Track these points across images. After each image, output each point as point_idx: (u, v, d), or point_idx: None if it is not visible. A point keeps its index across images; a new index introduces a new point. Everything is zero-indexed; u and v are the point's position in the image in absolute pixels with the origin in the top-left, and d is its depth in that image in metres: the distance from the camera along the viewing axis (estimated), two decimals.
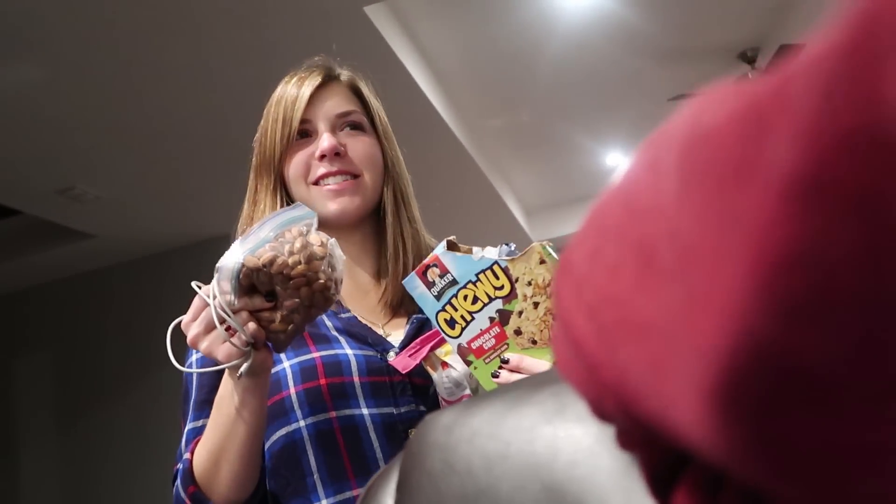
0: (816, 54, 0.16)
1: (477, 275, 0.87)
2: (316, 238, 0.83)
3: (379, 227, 1.13)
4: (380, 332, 1.06)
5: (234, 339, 0.83)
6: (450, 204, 5.69)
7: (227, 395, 0.90)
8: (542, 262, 0.85)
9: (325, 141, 1.05)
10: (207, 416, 0.97)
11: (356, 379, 0.99)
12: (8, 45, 3.02)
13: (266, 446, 1.00)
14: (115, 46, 3.09)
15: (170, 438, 2.24)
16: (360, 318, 1.07)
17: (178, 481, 0.96)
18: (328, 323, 1.05)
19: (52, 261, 5.06)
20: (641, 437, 0.24)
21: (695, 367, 0.18)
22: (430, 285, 0.89)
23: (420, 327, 1.07)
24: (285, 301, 0.83)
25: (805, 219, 0.15)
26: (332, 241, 0.85)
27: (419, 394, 1.01)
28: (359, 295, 1.11)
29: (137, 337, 4.83)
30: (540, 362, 0.83)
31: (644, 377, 0.20)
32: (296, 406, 0.97)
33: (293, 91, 1.07)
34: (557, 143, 5.70)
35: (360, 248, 1.11)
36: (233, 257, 0.81)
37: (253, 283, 0.82)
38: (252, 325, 0.83)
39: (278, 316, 0.83)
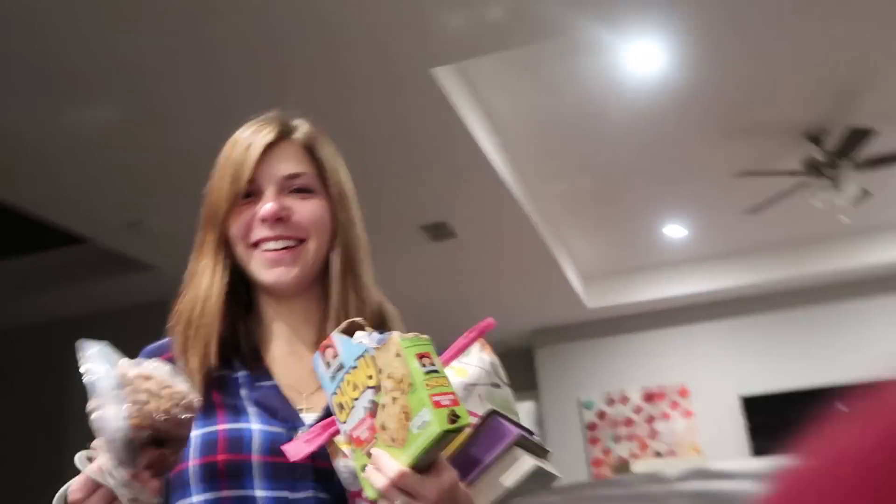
0: None
1: (356, 360, 0.83)
2: (180, 386, 0.82)
3: (324, 292, 1.06)
4: (301, 404, 1.00)
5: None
6: (506, 263, 5.71)
7: None
8: (398, 354, 0.79)
9: (267, 205, 1.00)
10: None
11: (254, 458, 0.93)
12: (89, 88, 3.19)
13: None
14: (191, 92, 3.24)
15: None
16: (281, 389, 1.00)
17: None
18: (242, 392, 1.00)
19: (115, 290, 5.23)
20: None
21: None
22: (327, 366, 0.86)
23: None
24: (172, 436, 0.80)
25: None
26: (168, 367, 0.82)
27: (322, 479, 0.94)
28: (292, 361, 1.04)
29: None
30: (393, 465, 0.78)
31: None
32: (192, 480, 0.93)
33: (242, 148, 1.02)
34: (618, 211, 5.69)
35: (300, 315, 1.05)
36: (112, 426, 0.76)
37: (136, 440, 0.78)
38: (155, 483, 0.78)
39: (171, 455, 0.81)
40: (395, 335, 0.80)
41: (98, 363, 0.81)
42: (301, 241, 1.02)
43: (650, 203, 5.60)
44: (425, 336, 0.83)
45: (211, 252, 1.03)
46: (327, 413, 0.94)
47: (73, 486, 0.79)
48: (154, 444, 0.78)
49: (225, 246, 1.03)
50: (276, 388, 1.00)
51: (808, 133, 4.71)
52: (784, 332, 6.85)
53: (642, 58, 3.85)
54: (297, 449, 0.89)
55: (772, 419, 6.33)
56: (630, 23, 3.35)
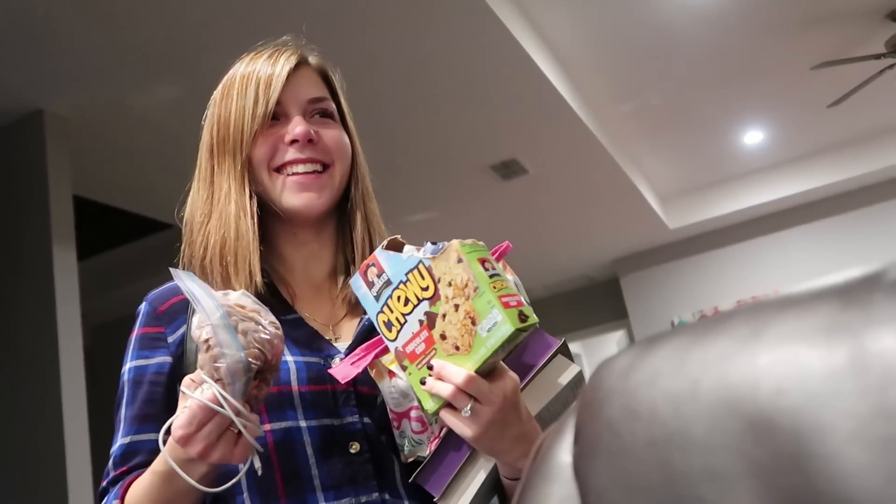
0: None
1: (406, 274, 0.81)
2: (267, 316, 0.81)
3: (341, 220, 1.05)
4: (328, 335, 0.98)
5: (246, 436, 0.77)
6: (580, 194, 5.60)
7: (172, 485, 0.82)
8: (460, 260, 0.78)
9: (298, 125, 0.97)
10: (140, 433, 0.92)
11: (295, 388, 0.90)
12: (150, 68, 3.20)
13: None
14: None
15: None
16: (306, 320, 0.98)
17: None
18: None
19: None
20: None
21: None
22: (370, 285, 0.84)
23: (371, 330, 0.93)
24: (272, 366, 0.80)
25: None
26: (251, 296, 0.82)
27: (365, 404, 0.93)
28: (310, 293, 1.02)
29: None
30: (460, 370, 0.77)
31: None
32: None
33: (265, 69, 0.99)
34: (692, 124, 5.49)
35: (319, 243, 1.03)
36: (232, 355, 0.74)
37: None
38: (255, 417, 0.78)
39: (265, 391, 0.81)
40: (455, 242, 0.79)
41: (200, 292, 0.79)
42: (327, 166, 0.99)
43: (724, 111, 5.38)
44: (481, 242, 0.82)
45: (233, 177, 0.98)
46: (359, 339, 0.94)
47: (179, 422, 0.77)
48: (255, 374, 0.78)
49: (247, 171, 0.98)
50: (301, 320, 0.98)
51: (891, 13, 4.41)
52: (878, 226, 6.56)
53: None
54: (346, 371, 0.86)
55: None
56: None
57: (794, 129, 5.88)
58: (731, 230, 7.06)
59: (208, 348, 0.75)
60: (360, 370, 0.86)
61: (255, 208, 0.97)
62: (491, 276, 0.78)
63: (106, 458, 0.93)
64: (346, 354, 0.93)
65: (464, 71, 3.62)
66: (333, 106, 1.04)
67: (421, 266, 0.80)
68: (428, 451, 0.90)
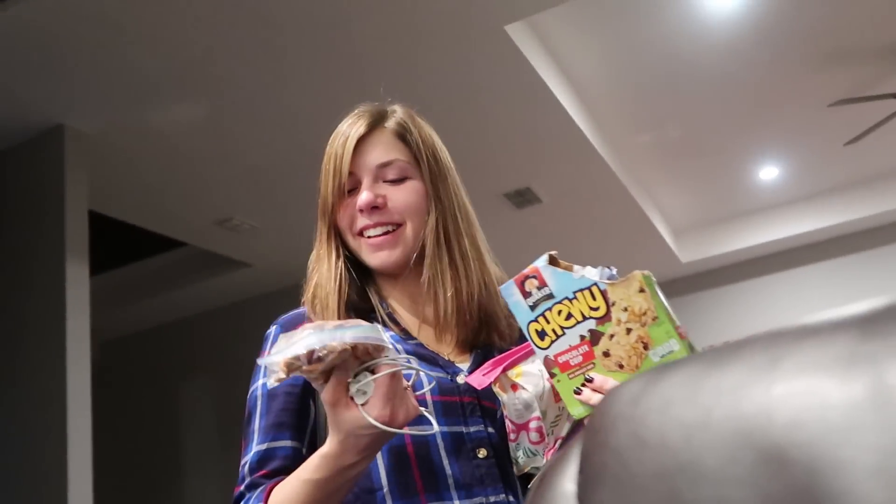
0: None
1: (574, 292, 0.89)
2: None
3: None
4: (446, 357, 1.10)
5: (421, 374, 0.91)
6: (593, 224, 5.59)
7: (336, 476, 0.90)
8: (642, 290, 0.86)
9: (362, 196, 1.08)
10: (276, 440, 1.01)
11: (429, 398, 1.01)
12: (170, 87, 3.23)
13: None
14: (273, 84, 3.25)
15: None
16: (425, 345, 1.10)
17: None
18: (399, 347, 1.07)
19: (213, 289, 5.35)
20: None
21: None
22: (526, 295, 0.91)
23: (485, 356, 1.07)
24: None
25: None
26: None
27: (487, 415, 1.04)
28: (420, 327, 1.14)
29: None
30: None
31: None
32: None
33: (341, 139, 1.11)
34: (708, 158, 5.48)
35: (415, 288, 1.13)
36: (356, 330, 0.84)
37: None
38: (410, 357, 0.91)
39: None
40: (638, 273, 0.87)
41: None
42: (398, 225, 1.10)
43: (740, 146, 5.37)
44: (650, 274, 0.91)
45: (325, 242, 1.13)
46: (479, 361, 1.06)
47: (375, 412, 0.84)
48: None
49: (336, 235, 1.13)
50: (422, 344, 1.10)
51: None
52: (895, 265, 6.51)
53: None
54: (480, 380, 0.97)
55: None
56: None
57: (810, 166, 5.86)
58: (744, 266, 7.02)
59: (341, 352, 0.83)
60: (493, 379, 0.97)
61: (339, 272, 1.10)
62: (668, 309, 0.86)
63: (239, 467, 1.02)
64: (469, 371, 1.05)
65: (480, 98, 3.63)
66: (406, 165, 1.12)
67: (595, 288, 0.88)
68: (544, 461, 0.98)
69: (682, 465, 0.29)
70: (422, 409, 0.91)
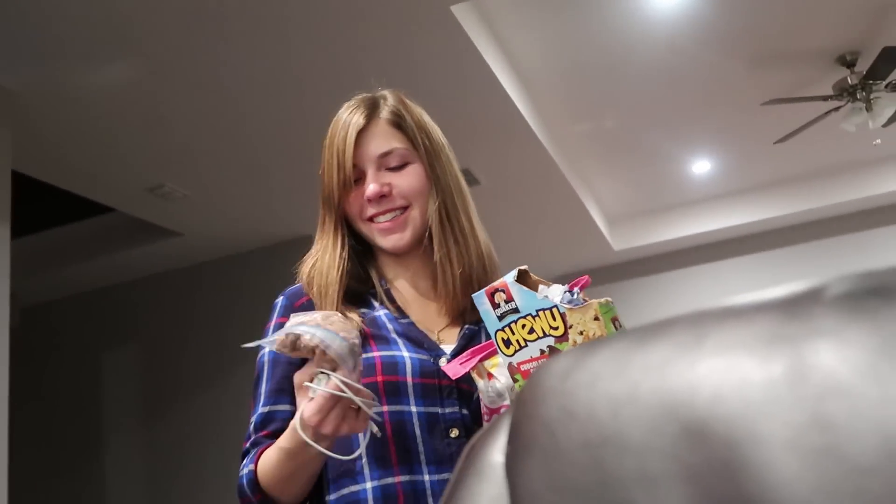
0: None
1: (537, 311, 0.97)
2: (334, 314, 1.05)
3: (433, 246, 1.24)
4: (434, 338, 1.19)
5: (364, 409, 0.96)
6: (530, 209, 5.64)
7: (301, 451, 1.01)
8: (596, 318, 0.94)
9: (369, 187, 1.17)
10: (277, 404, 1.13)
11: (409, 379, 1.11)
12: (103, 47, 3.12)
13: None
14: (207, 49, 3.17)
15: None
16: (416, 325, 1.19)
17: (245, 481, 1.09)
18: (389, 326, 1.17)
19: (142, 258, 5.22)
20: None
21: None
22: (495, 306, 1.00)
23: (471, 338, 1.19)
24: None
25: None
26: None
27: (463, 398, 1.13)
28: (419, 305, 1.24)
29: (221, 333, 4.93)
30: None
31: None
32: None
33: (341, 133, 1.18)
34: (643, 150, 5.58)
35: (419, 264, 1.24)
36: (336, 341, 0.94)
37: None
38: (368, 391, 0.98)
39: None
40: (595, 302, 0.96)
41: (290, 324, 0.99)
42: (405, 208, 1.19)
43: (675, 138, 5.48)
44: (611, 301, 0.99)
45: (330, 230, 1.21)
46: (462, 343, 1.17)
47: (309, 412, 0.95)
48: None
49: (342, 224, 1.21)
50: (413, 324, 1.19)
51: (842, 57, 4.56)
52: (816, 261, 6.75)
53: None
54: (455, 370, 1.06)
55: None
56: None
57: (741, 162, 6.02)
58: (673, 256, 7.19)
59: (315, 349, 0.94)
60: (467, 370, 1.05)
61: (342, 260, 1.19)
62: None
63: (246, 425, 1.14)
64: (452, 356, 1.14)
65: (423, 76, 3.62)
66: (405, 151, 1.20)
67: (555, 310, 0.96)
68: None
69: (608, 438, 0.30)
70: (361, 434, 1.01)
